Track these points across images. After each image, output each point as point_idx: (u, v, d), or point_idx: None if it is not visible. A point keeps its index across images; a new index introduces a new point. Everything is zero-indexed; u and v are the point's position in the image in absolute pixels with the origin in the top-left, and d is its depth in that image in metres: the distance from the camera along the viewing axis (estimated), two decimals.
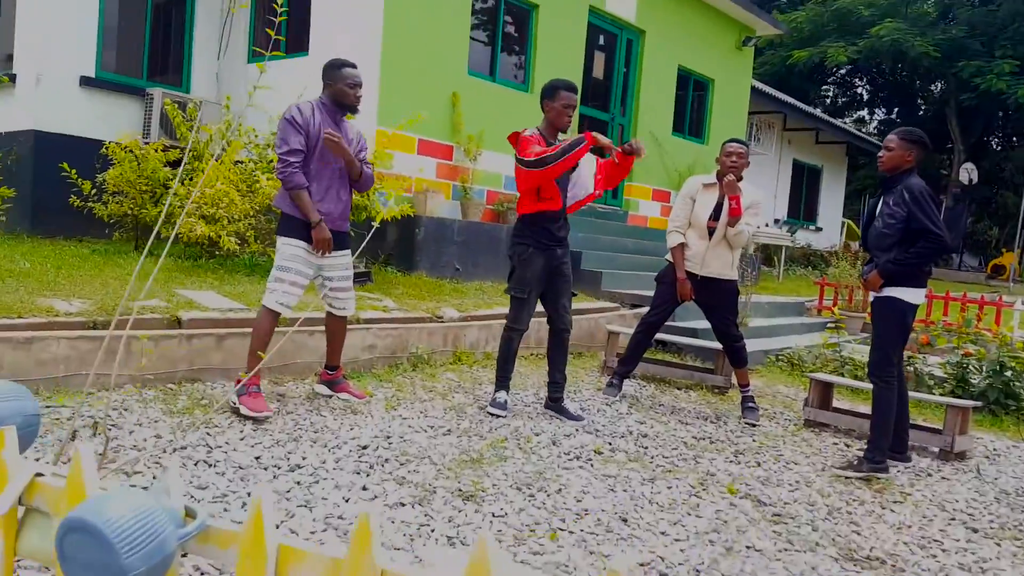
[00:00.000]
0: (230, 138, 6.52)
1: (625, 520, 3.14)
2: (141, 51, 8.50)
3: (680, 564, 2.78)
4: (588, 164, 4.65)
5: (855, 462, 4.23)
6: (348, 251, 4.21)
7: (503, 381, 4.62)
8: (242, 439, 3.50)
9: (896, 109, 36.28)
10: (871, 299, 4.43)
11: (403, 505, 3.00)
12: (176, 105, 6.64)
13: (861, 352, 7.23)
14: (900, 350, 4.36)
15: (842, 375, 6.81)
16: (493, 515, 3.02)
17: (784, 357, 7.53)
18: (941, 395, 6.03)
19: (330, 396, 4.35)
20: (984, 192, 30.66)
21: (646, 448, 4.23)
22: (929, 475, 4.36)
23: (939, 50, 27.35)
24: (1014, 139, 33.57)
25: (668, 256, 5.22)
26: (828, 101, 35.07)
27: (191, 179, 6.49)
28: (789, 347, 7.75)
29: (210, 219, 5.89)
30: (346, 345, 4.82)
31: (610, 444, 4.23)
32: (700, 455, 4.21)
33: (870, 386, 5.44)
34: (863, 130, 31.01)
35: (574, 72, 9.48)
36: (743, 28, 12.12)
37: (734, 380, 5.93)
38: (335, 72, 3.98)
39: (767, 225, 15.19)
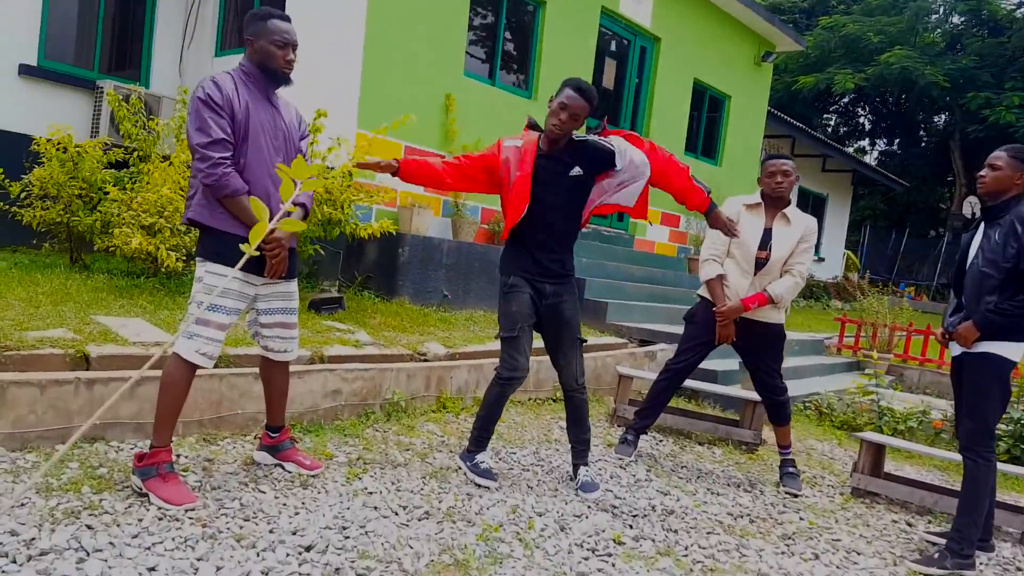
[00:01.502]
0: (183, 136, 5.58)
1: None
2: (93, 40, 7.55)
3: None
4: (637, 178, 3.66)
5: (935, 555, 3.38)
6: (295, 277, 3.24)
7: (482, 441, 3.70)
8: (136, 537, 2.51)
9: (897, 140, 35.86)
10: (955, 354, 3.57)
11: None
12: (121, 99, 5.68)
13: (900, 400, 6.34)
14: (999, 418, 3.48)
15: (880, 429, 5.92)
16: None
17: (812, 404, 6.63)
18: (1001, 457, 5.19)
19: (272, 466, 3.36)
20: (972, 224, 30.20)
21: (675, 532, 3.35)
22: (1020, 570, 3.48)
23: (948, 80, 26.87)
24: None
25: (701, 291, 4.36)
26: (830, 130, 34.56)
27: (135, 183, 5.53)
28: (815, 392, 6.86)
29: (151, 230, 4.92)
30: (305, 391, 3.89)
31: (631, 527, 3.34)
32: (743, 543, 3.34)
33: (930, 450, 4.64)
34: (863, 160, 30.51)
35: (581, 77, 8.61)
36: (763, 42, 11.30)
37: (765, 435, 5.18)
38: (259, 25, 2.93)
39: None
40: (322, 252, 5.70)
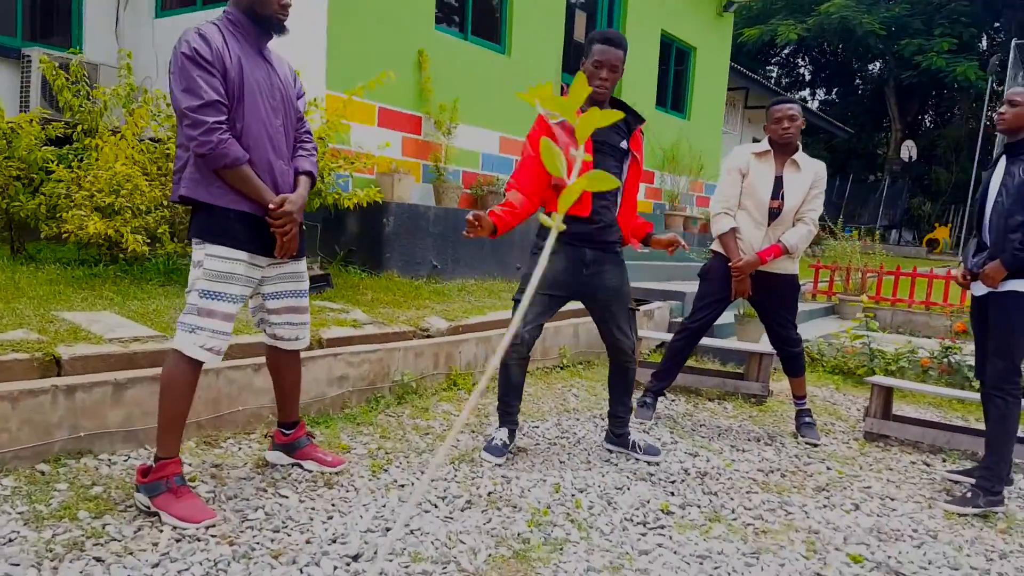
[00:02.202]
0: (134, 106, 5.01)
1: None
2: (13, 4, 6.80)
3: None
4: None
5: (968, 495, 3.30)
6: (303, 256, 2.83)
7: (503, 415, 3.47)
8: (156, 566, 2.12)
9: (835, 89, 36.36)
10: (978, 294, 3.46)
11: None
12: (58, 66, 5.04)
13: (889, 343, 6.25)
14: None
15: (872, 371, 5.85)
16: None
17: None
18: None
19: (289, 466, 2.96)
20: (918, 169, 30.91)
21: (716, 495, 3.18)
22: None
23: (883, 28, 27.22)
24: (946, 115, 33.93)
25: (714, 246, 4.16)
26: (772, 81, 34.79)
27: (81, 160, 4.96)
28: (805, 338, 6.72)
29: (107, 212, 4.39)
30: (310, 379, 3.53)
31: (672, 495, 3.15)
32: (784, 500, 3.20)
33: (935, 389, 4.54)
34: None
35: (553, 32, 8.21)
36: None
37: (772, 387, 5.08)
38: None
39: None
40: (303, 226, 5.23)
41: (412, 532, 2.50)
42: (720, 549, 2.61)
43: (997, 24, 30.74)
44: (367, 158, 5.43)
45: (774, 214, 3.97)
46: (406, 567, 2.26)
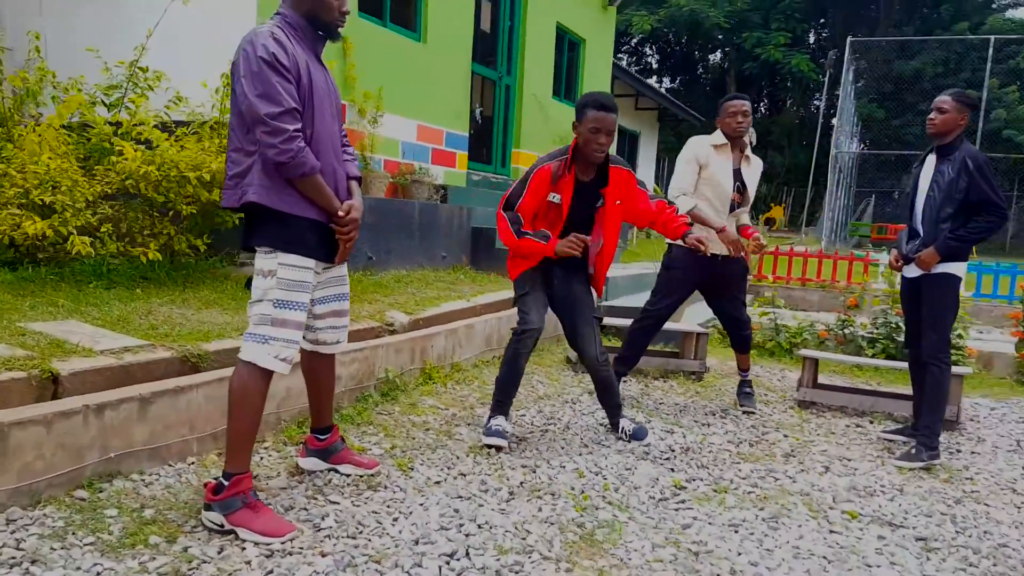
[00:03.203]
0: (56, 93, 4.63)
1: None
2: None
3: None
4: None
5: (912, 451, 3.78)
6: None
7: (502, 405, 3.61)
8: None
9: (679, 77, 38.49)
10: (911, 276, 3.94)
11: None
12: None
13: (791, 318, 6.89)
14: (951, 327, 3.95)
15: (779, 344, 6.47)
16: None
17: (713, 328, 7.01)
18: (874, 356, 5.87)
19: (323, 472, 2.94)
20: (756, 153, 33.49)
21: (709, 468, 3.46)
22: (958, 451, 4.04)
23: (728, 21, 29.13)
24: (780, 104, 36.87)
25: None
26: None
27: None
28: (710, 317, 7.26)
29: (41, 209, 4.05)
30: (291, 383, 3.43)
31: (673, 471, 3.39)
32: (769, 467, 3.53)
33: (855, 359, 5.17)
34: None
35: (464, 21, 8.22)
36: None
37: (708, 364, 5.49)
38: None
39: None
40: (237, 222, 5.03)
41: (480, 526, 2.58)
42: (743, 518, 2.86)
43: (823, 20, 33.80)
44: None
45: (734, 205, 4.26)
46: (497, 559, 2.34)
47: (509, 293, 5.98)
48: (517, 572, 2.28)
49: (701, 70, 38.50)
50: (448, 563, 2.29)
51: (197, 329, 3.62)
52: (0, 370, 2.71)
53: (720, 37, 31.96)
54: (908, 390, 4.87)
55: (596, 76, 11.56)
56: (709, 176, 4.21)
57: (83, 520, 2.30)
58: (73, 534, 2.21)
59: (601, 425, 3.93)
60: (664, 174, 28.28)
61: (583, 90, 11.28)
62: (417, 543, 2.41)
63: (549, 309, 3.68)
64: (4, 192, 4.06)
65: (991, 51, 16.73)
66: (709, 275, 4.33)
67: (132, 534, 2.25)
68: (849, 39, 17.25)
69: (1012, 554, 2.69)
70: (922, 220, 3.82)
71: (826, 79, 19.65)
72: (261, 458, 3.04)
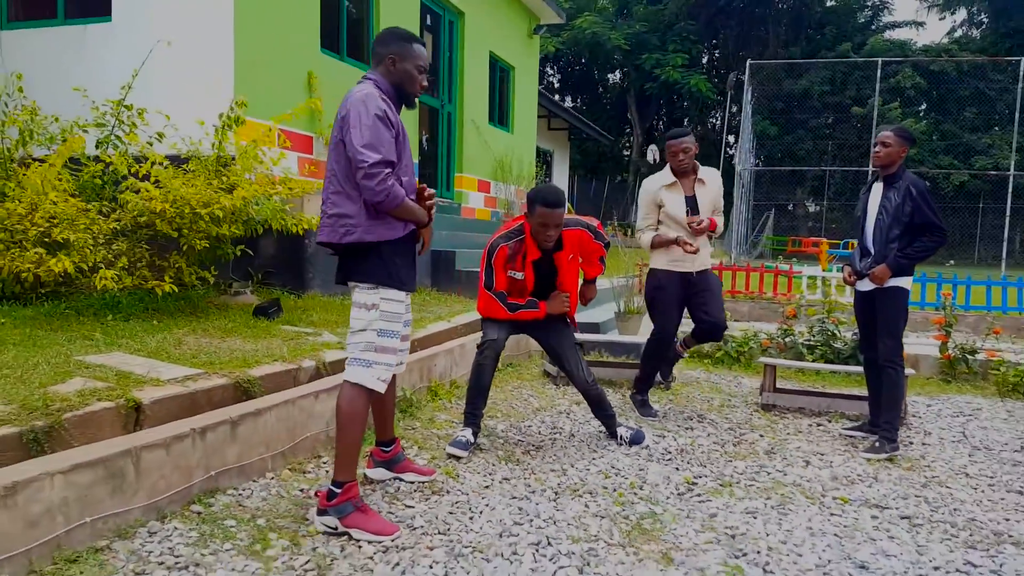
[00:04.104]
0: (55, 133, 4.73)
1: (865, 567, 2.75)
2: None
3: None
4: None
5: (876, 445, 4.32)
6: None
7: (469, 417, 3.97)
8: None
9: (581, 96, 39.78)
10: (865, 290, 4.48)
11: None
12: None
13: (734, 329, 7.54)
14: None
15: (728, 353, 7.08)
16: None
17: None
18: (814, 361, 6.58)
19: (390, 480, 3.26)
20: (657, 170, 35.00)
21: (707, 467, 3.90)
22: (911, 443, 4.61)
23: (628, 43, 30.46)
24: (679, 122, 38.62)
25: (653, 264, 4.78)
26: None
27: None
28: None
29: (60, 247, 4.18)
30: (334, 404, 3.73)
31: (677, 469, 3.82)
32: (760, 463, 4.00)
33: (812, 365, 5.83)
34: None
35: None
36: (532, 16, 12.06)
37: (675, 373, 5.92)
38: (403, 46, 2.84)
39: None
40: (250, 252, 5.23)
41: (546, 521, 2.95)
42: (756, 507, 3.30)
43: (715, 41, 35.82)
44: (293, 182, 5.52)
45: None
46: (573, 547, 2.73)
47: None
48: (596, 556, 2.66)
49: (602, 89, 39.86)
50: (537, 550, 2.66)
51: (233, 357, 3.83)
52: (91, 400, 2.90)
53: (619, 58, 33.27)
54: (858, 391, 5.56)
55: (525, 101, 12.13)
56: (666, 213, 4.65)
57: (212, 530, 2.55)
58: (212, 542, 2.46)
59: (600, 432, 4.35)
60: (574, 191, 29.31)
61: (515, 115, 11.82)
62: (501, 536, 2.76)
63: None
64: (23, 231, 4.15)
65: (879, 72, 18.39)
66: (690, 290, 4.72)
67: (259, 540, 2.52)
68: (749, 61, 18.56)
69: (982, 526, 3.21)
70: (873, 240, 4.42)
71: (728, 99, 20.98)
72: (327, 472, 3.31)
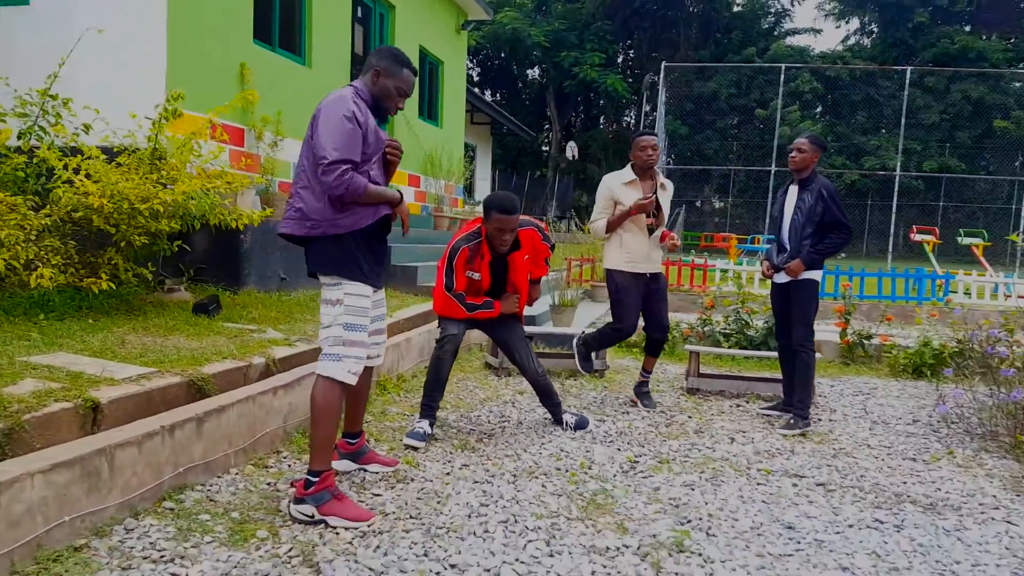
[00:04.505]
0: None
1: (792, 527, 3.05)
2: None
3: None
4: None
5: (791, 421, 4.69)
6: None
7: (427, 408, 4.09)
8: (386, 555, 2.50)
9: (500, 91, 40.05)
10: (781, 282, 4.86)
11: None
12: None
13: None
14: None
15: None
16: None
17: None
18: (730, 347, 7.01)
19: (355, 471, 3.34)
20: (576, 166, 35.76)
21: (645, 447, 4.14)
22: (819, 419, 5.00)
23: (547, 40, 30.87)
24: (596, 120, 39.49)
25: (608, 264, 4.93)
26: None
27: None
28: (593, 320, 8.12)
29: None
30: (301, 399, 3.79)
31: (619, 450, 4.06)
32: (691, 442, 4.28)
33: (730, 351, 6.21)
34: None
35: (343, 45, 8.53)
36: (460, 11, 12.14)
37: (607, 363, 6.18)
38: (393, 66, 2.95)
39: None
40: (187, 248, 5.14)
41: (509, 501, 3.10)
42: (692, 481, 3.57)
43: (630, 41, 36.70)
44: (231, 176, 5.46)
45: (651, 229, 4.88)
46: (538, 520, 2.91)
47: (423, 308, 6.46)
48: (559, 529, 2.85)
49: (521, 85, 40.19)
50: (506, 527, 2.82)
51: (181, 355, 3.81)
52: (48, 402, 2.86)
53: (539, 54, 33.67)
54: (770, 374, 5.96)
55: (454, 96, 12.22)
56: (622, 210, 4.78)
57: (188, 525, 2.59)
58: (192, 535, 2.50)
59: (546, 419, 4.54)
60: (496, 185, 29.52)
61: (444, 109, 11.88)
62: (470, 517, 2.91)
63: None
64: None
65: (782, 77, 19.34)
66: (645, 290, 4.90)
67: (238, 531, 2.58)
68: (664, 64, 19.19)
69: (885, 489, 3.59)
70: (789, 237, 4.81)
71: (643, 99, 21.65)
72: (289, 466, 3.37)
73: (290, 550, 2.48)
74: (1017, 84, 29.12)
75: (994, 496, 3.52)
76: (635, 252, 4.83)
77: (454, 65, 12.26)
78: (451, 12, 11.88)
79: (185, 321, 4.61)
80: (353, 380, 2.84)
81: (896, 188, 19.40)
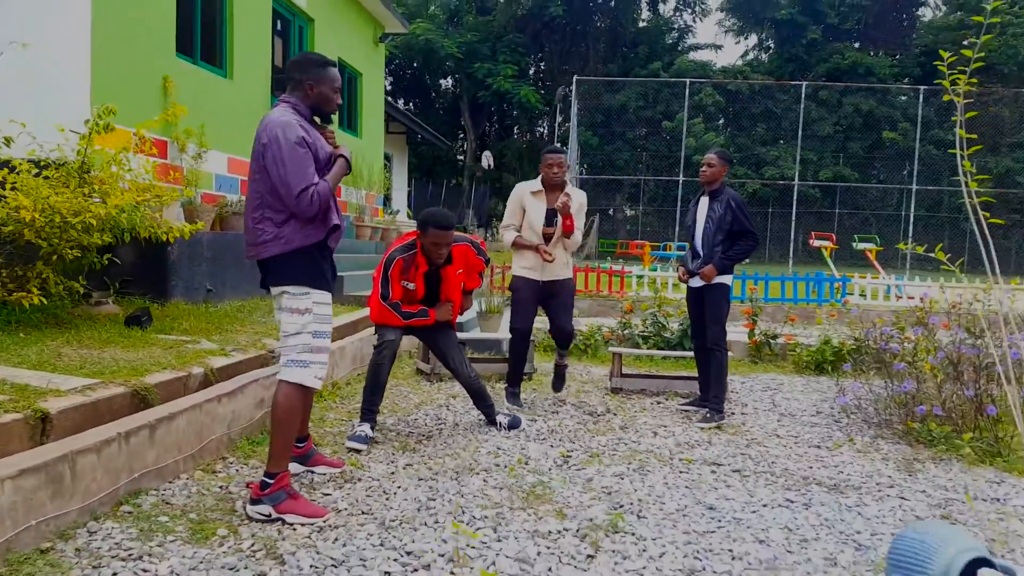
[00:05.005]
0: None
1: (713, 508, 3.36)
2: None
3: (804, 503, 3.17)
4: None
5: (707, 415, 5.04)
6: None
7: (366, 413, 4.25)
8: (345, 546, 2.66)
9: (414, 100, 40.07)
10: (696, 286, 5.25)
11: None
12: None
13: (583, 324, 8.24)
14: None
15: (576, 346, 7.72)
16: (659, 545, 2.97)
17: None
18: (649, 348, 7.42)
19: (303, 473, 3.47)
20: (492, 175, 36.15)
21: (576, 442, 4.40)
22: (733, 413, 5.40)
23: (460, 52, 31.16)
24: (510, 130, 40.00)
25: (514, 270, 5.19)
26: None
27: None
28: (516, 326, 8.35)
29: None
30: (243, 405, 3.90)
31: (552, 446, 4.30)
32: (618, 437, 4.56)
33: (650, 352, 6.60)
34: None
35: (263, 57, 8.54)
36: (377, 24, 12.26)
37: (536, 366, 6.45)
38: (320, 71, 3.06)
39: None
40: (117, 261, 5.10)
41: (454, 495, 3.30)
42: (621, 471, 3.84)
43: (541, 54, 37.42)
44: (160, 189, 5.45)
45: (548, 238, 5.13)
46: (484, 510, 3.12)
47: (355, 316, 6.57)
48: (504, 518, 3.06)
49: (435, 95, 40.32)
50: (455, 518, 3.02)
51: (121, 367, 3.83)
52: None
53: (452, 65, 33.92)
54: (686, 373, 6.36)
55: (373, 107, 12.31)
56: (527, 219, 5.09)
57: (149, 526, 2.68)
58: (155, 535, 2.60)
59: (480, 420, 4.74)
60: (413, 194, 29.49)
61: (364, 119, 11.95)
62: (419, 511, 3.09)
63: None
64: None
65: (688, 90, 20.23)
66: (543, 295, 5.16)
67: (199, 531, 2.69)
68: (576, 77, 19.78)
69: (794, 473, 3.95)
70: (702, 244, 5.19)
71: (556, 111, 22.19)
72: (237, 470, 3.46)
73: (252, 545, 2.61)
74: (903, 98, 31.28)
75: (889, 476, 3.94)
76: (532, 260, 5.07)
77: (373, 77, 12.36)
78: (369, 25, 11.99)
79: (118, 333, 4.60)
80: (319, 385, 3.00)
81: (795, 196, 20.60)
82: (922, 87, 24.15)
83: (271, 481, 2.85)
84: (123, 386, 3.53)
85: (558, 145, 5.43)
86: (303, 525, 2.83)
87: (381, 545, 2.72)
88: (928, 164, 26.43)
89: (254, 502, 2.85)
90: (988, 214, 3.90)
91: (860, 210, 28.59)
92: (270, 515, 2.83)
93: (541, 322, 5.55)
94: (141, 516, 2.76)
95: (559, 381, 5.56)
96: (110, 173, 4.88)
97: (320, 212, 2.94)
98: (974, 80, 3.97)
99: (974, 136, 3.99)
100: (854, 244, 19.80)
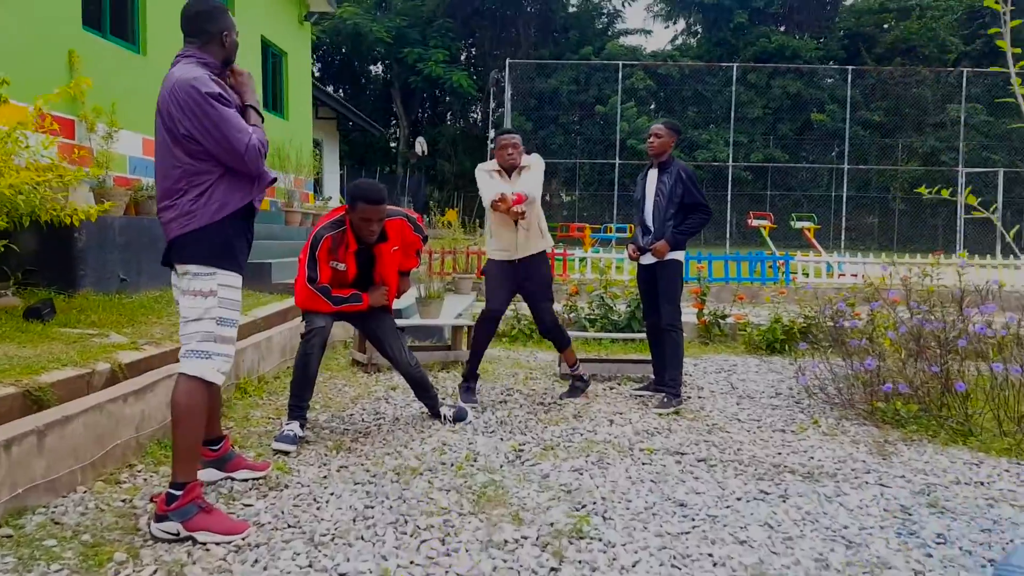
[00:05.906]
0: None
1: (684, 504, 3.09)
2: None
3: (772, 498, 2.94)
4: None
5: (665, 400, 4.80)
6: None
7: (295, 410, 3.84)
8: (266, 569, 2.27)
9: (343, 87, 39.01)
10: (647, 263, 4.96)
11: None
12: None
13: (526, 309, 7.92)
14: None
15: (522, 331, 7.39)
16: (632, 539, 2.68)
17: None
18: (596, 331, 7.18)
19: (222, 480, 3.05)
20: (426, 162, 35.56)
21: (528, 434, 4.10)
22: (689, 397, 5.17)
23: (390, 36, 30.40)
24: (444, 116, 39.35)
25: (488, 253, 4.89)
26: None
27: None
28: (462, 311, 8.02)
29: None
30: (153, 404, 3.46)
31: (502, 439, 3.99)
32: (572, 427, 4.27)
33: (599, 335, 6.34)
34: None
35: (178, 32, 7.88)
36: (302, 2, 11.66)
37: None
38: (229, 20, 2.77)
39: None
40: (15, 248, 4.54)
41: (396, 501, 2.93)
42: (580, 465, 3.54)
43: (472, 39, 36.87)
44: (64, 170, 4.89)
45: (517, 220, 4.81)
46: (431, 520, 2.76)
47: (282, 305, 6.11)
48: (452, 526, 2.71)
49: (364, 81, 39.36)
50: (396, 528, 2.65)
51: (13, 364, 3.38)
52: None
53: (382, 50, 33.13)
54: (637, 356, 6.13)
55: (299, 87, 11.70)
56: (488, 199, 4.65)
57: (31, 553, 2.24)
58: (36, 564, 2.16)
59: (423, 413, 4.39)
60: (346, 181, 28.61)
61: (290, 100, 11.34)
62: (355, 521, 2.71)
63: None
64: None
65: (620, 74, 20.10)
66: (518, 278, 4.80)
67: (91, 556, 2.26)
68: (508, 61, 19.42)
69: (763, 461, 3.72)
70: (652, 219, 4.92)
71: (490, 95, 21.81)
72: (145, 480, 3.02)
73: (155, 572, 2.20)
74: (829, 80, 31.93)
75: (863, 461, 3.72)
76: (507, 241, 4.77)
77: (299, 56, 11.75)
78: (293, 2, 11.37)
79: (15, 328, 4.09)
80: (221, 380, 2.58)
81: (730, 179, 20.75)
82: (850, 67, 24.67)
83: (178, 493, 2.43)
84: (13, 386, 3.07)
85: (510, 127, 5.05)
86: (218, 544, 2.42)
87: (310, 567, 2.34)
88: (856, 145, 27.07)
89: (159, 519, 2.43)
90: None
91: (792, 191, 29.10)
92: (178, 534, 2.42)
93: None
94: (22, 541, 2.31)
95: (572, 391, 5.08)
96: (4, 150, 4.33)
97: (263, 154, 2.60)
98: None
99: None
100: (792, 223, 20.09)
